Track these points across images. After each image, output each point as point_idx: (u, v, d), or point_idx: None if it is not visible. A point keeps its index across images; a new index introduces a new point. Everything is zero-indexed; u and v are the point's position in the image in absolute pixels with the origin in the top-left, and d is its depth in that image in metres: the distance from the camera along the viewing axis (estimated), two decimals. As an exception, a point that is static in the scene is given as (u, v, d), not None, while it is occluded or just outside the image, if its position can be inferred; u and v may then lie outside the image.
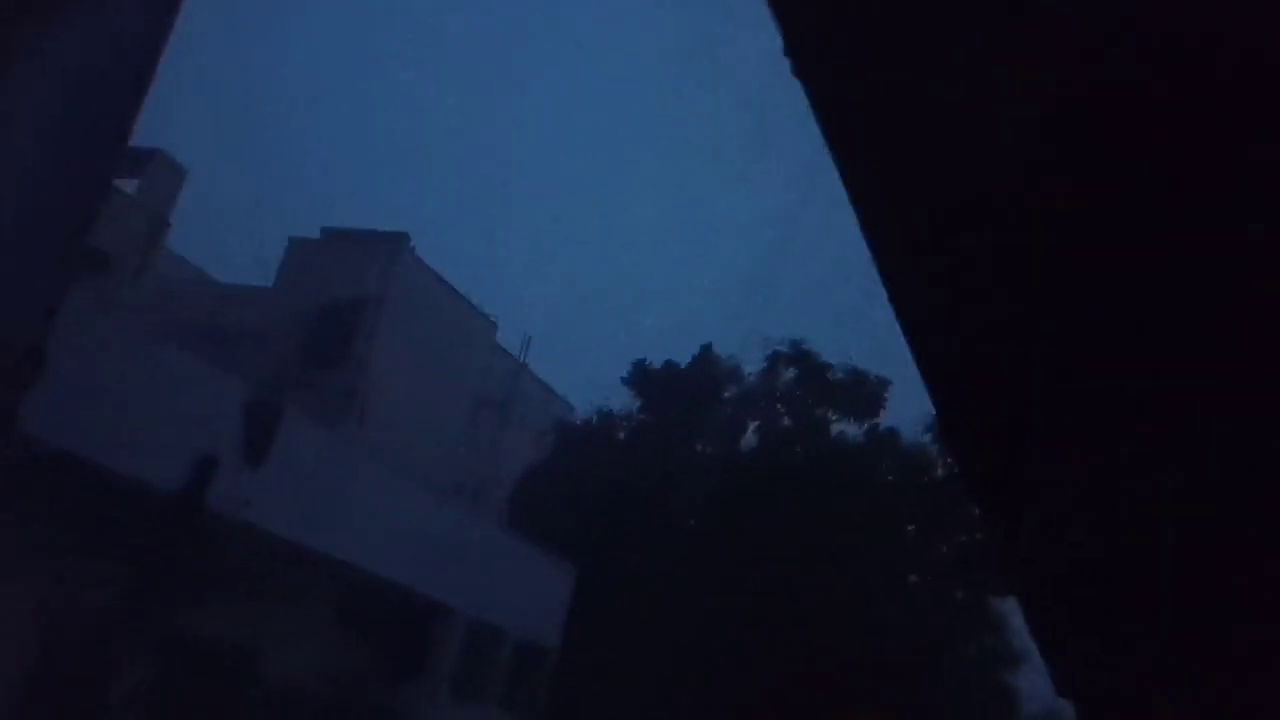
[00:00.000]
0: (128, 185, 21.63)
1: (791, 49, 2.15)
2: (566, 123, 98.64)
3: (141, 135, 12.64)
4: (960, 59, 2.10)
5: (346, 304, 25.67)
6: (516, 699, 21.83)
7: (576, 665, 22.73)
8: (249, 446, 15.47)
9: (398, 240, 27.12)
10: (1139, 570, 4.16)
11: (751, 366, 28.91)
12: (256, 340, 24.17)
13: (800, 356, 28.39)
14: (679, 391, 28.48)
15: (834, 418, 27.81)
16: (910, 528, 26.44)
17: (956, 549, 25.54)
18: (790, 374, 28.67)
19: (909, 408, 24.90)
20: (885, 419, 27.24)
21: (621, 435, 28.70)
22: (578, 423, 29.88)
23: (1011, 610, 23.19)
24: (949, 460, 23.82)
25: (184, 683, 14.89)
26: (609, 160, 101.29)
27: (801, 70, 2.19)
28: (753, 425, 28.73)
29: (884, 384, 27.11)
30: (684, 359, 29.30)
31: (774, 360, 28.64)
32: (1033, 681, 24.03)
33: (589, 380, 33.87)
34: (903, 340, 3.00)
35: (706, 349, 29.17)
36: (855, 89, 2.23)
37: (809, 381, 28.15)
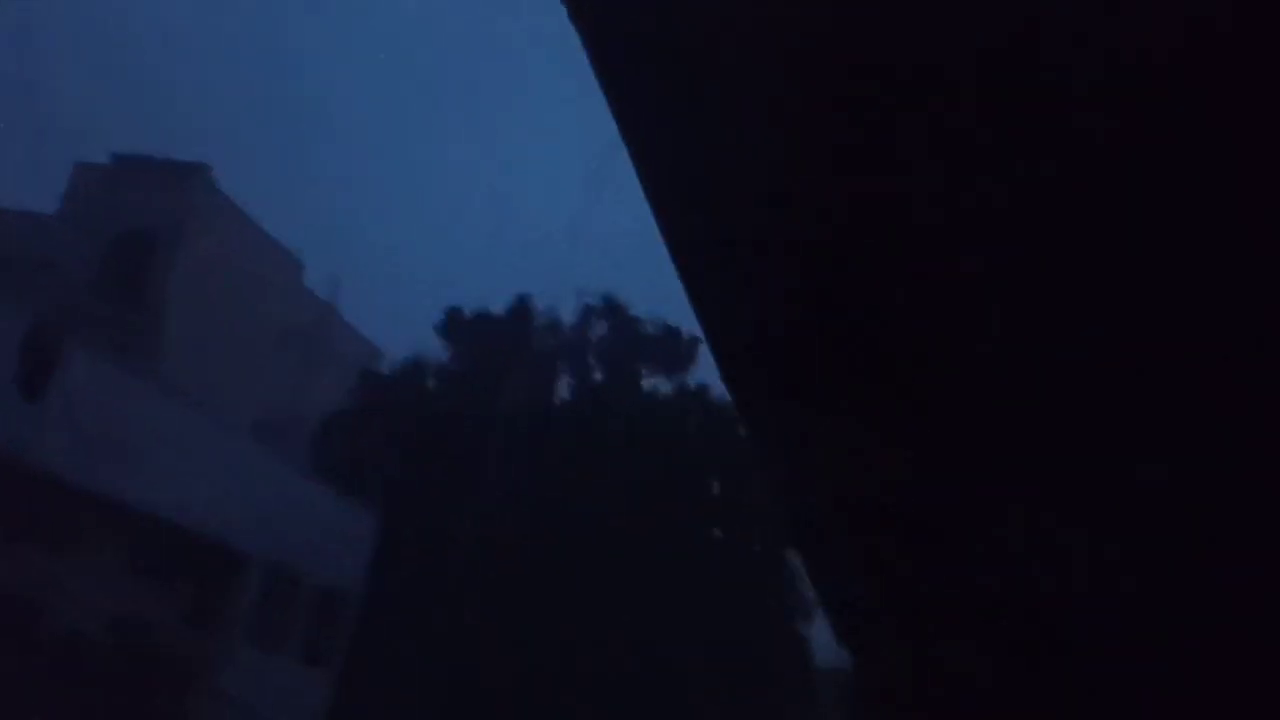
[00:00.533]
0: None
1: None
2: (384, 50, 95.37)
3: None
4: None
5: (140, 234, 24.16)
6: (317, 647, 21.25)
7: (382, 614, 22.32)
8: (25, 379, 14.39)
9: (197, 170, 25.68)
10: (909, 521, 4.28)
11: (570, 319, 28.88)
12: (40, 269, 22.46)
13: (612, 310, 28.51)
14: (493, 341, 28.15)
15: (645, 373, 28.09)
16: (714, 483, 27.05)
17: (757, 504, 26.30)
18: (603, 327, 28.77)
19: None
20: (698, 375, 27.67)
21: (431, 383, 28.19)
22: (386, 371, 29.16)
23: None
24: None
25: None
26: (423, 98, 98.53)
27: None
28: (565, 379, 28.73)
29: (696, 341, 27.58)
30: (501, 308, 28.98)
31: (586, 313, 28.67)
32: (826, 632, 25.04)
33: (403, 326, 33.10)
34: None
35: (523, 299, 28.92)
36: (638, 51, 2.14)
37: (621, 335, 28.32)
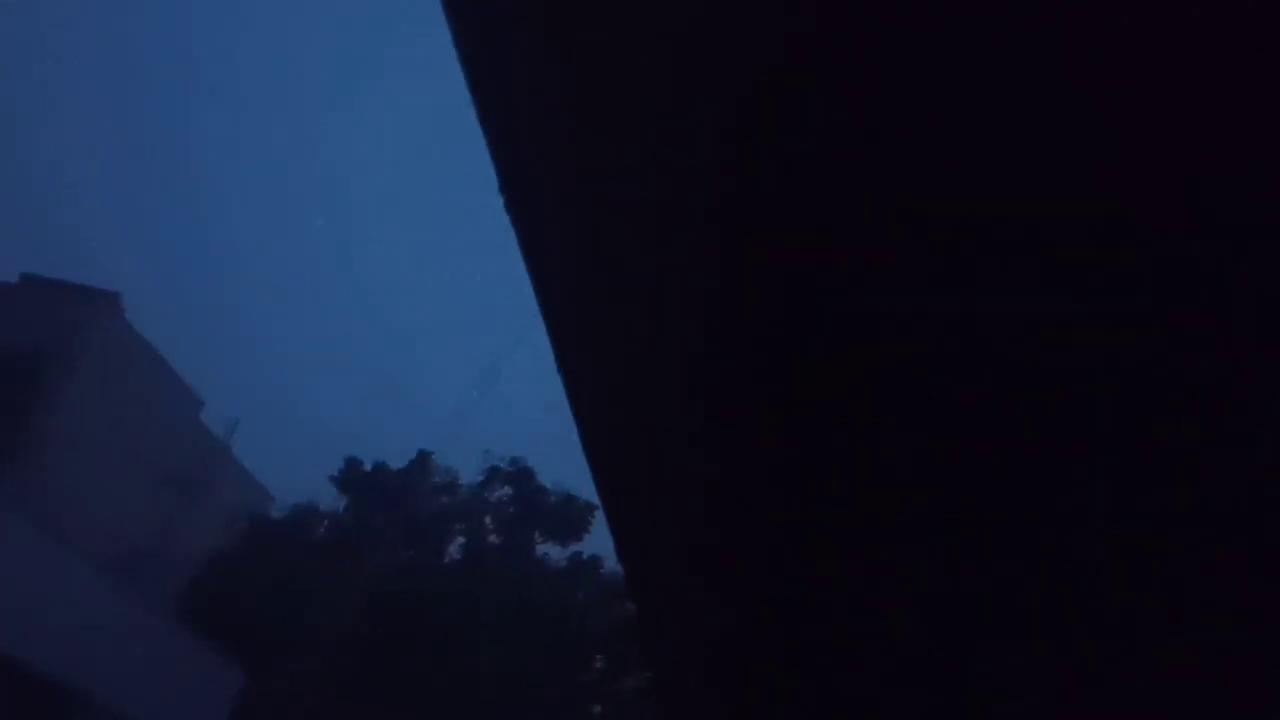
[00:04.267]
0: None
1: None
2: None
3: None
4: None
5: (35, 354, 23.67)
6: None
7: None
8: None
9: (107, 297, 25.44)
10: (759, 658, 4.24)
11: (470, 478, 28.60)
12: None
13: (519, 475, 28.31)
14: (389, 494, 27.72)
15: (539, 539, 27.75)
16: (599, 657, 26.45)
17: (641, 682, 25.70)
18: (505, 491, 28.50)
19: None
20: (589, 545, 27.40)
21: (321, 532, 27.52)
22: (274, 515, 28.43)
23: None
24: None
25: None
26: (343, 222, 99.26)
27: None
28: (459, 539, 28.26)
29: (591, 508, 27.34)
30: (402, 462, 28.64)
31: (491, 475, 28.43)
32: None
33: (296, 474, 32.44)
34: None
35: (424, 455, 28.63)
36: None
37: (522, 500, 28.06)
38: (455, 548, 28.22)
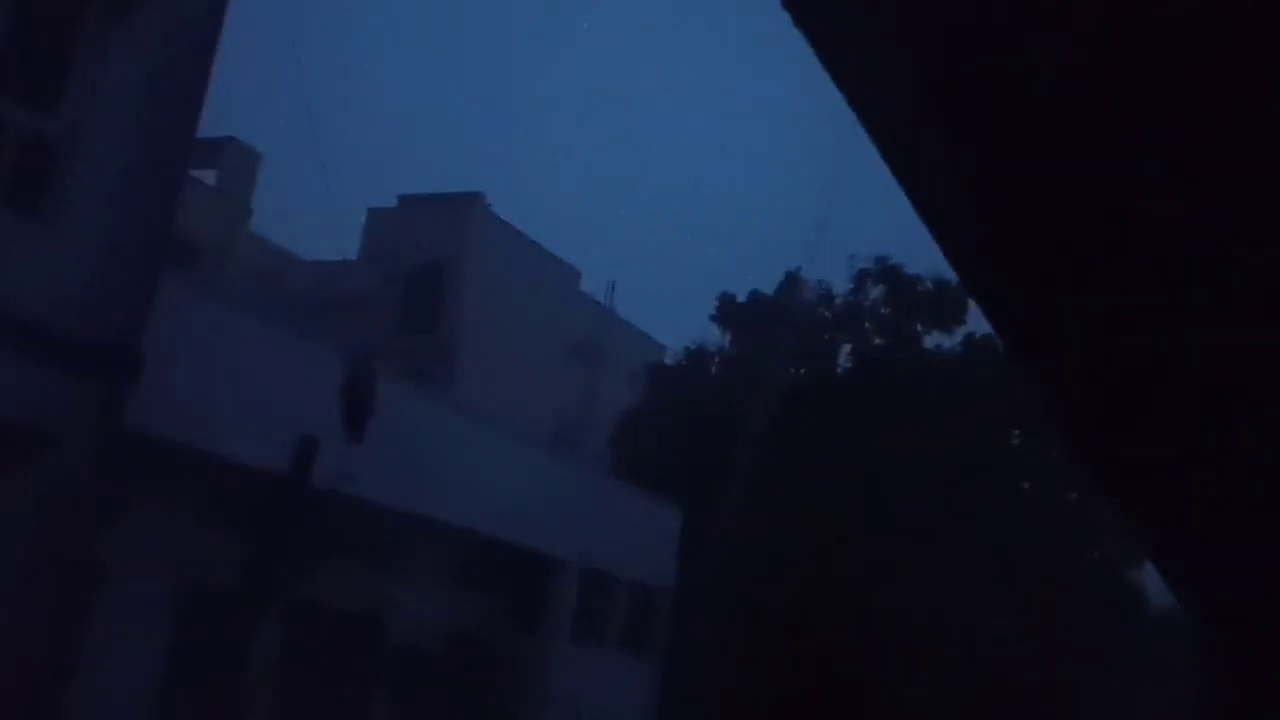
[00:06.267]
0: (206, 176, 22.12)
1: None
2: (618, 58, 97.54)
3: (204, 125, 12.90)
4: None
5: (431, 267, 26.02)
6: (636, 639, 22.21)
7: (692, 601, 22.97)
8: (348, 422, 15.82)
9: (473, 200, 27.33)
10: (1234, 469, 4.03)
11: (840, 286, 28.53)
12: (348, 311, 24.64)
13: (887, 272, 27.90)
14: (768, 319, 28.23)
15: (924, 331, 27.36)
16: (1016, 433, 26.02)
17: (1060, 452, 25.06)
18: (878, 291, 28.24)
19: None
20: (972, 325, 26.60)
21: (714, 370, 28.66)
22: (669, 363, 29.92)
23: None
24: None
25: (313, 651, 15.49)
26: (655, 88, 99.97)
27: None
28: (845, 347, 28.44)
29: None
30: (770, 285, 29.03)
31: (860, 279, 28.22)
32: (1155, 579, 23.63)
33: (678, 317, 33.91)
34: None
35: (791, 275, 28.82)
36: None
37: (896, 297, 27.71)
38: (843, 357, 28.43)
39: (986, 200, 2.81)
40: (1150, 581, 25.45)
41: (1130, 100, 2.29)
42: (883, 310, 27.88)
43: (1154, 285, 3.03)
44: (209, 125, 13.28)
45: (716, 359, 28.88)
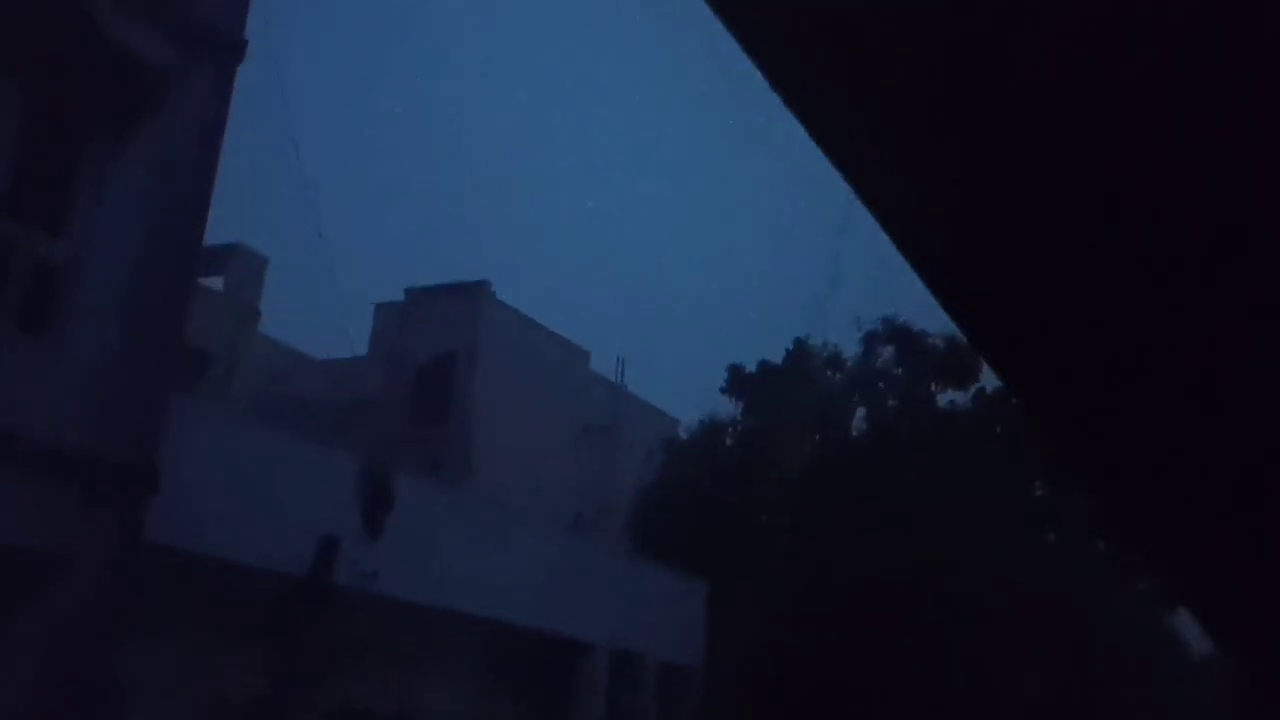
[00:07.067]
0: (214, 283, 22.34)
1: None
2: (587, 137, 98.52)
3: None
4: None
5: (441, 359, 26.12)
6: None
7: (721, 678, 22.62)
8: (367, 519, 15.81)
9: (479, 288, 27.51)
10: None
11: (849, 349, 28.55)
12: (361, 408, 24.71)
13: (896, 332, 27.93)
14: (780, 389, 28.21)
15: (936, 389, 27.30)
16: (1038, 483, 25.80)
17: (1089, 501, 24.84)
18: (888, 352, 28.24)
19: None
20: (984, 380, 26.56)
21: (729, 442, 28.56)
22: (684, 436, 29.85)
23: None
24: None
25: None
26: (633, 166, 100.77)
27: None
28: (860, 411, 28.36)
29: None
30: (777, 350, 29.05)
31: (869, 340, 28.24)
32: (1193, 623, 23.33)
33: (689, 392, 33.88)
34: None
35: (799, 342, 28.86)
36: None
37: (906, 356, 27.70)
38: (858, 420, 28.34)
39: (960, 218, 2.83)
40: (1188, 627, 25.08)
41: (1114, 112, 2.31)
42: (895, 371, 27.86)
43: (1143, 304, 3.01)
44: (213, 232, 13.46)
45: (730, 431, 28.79)
